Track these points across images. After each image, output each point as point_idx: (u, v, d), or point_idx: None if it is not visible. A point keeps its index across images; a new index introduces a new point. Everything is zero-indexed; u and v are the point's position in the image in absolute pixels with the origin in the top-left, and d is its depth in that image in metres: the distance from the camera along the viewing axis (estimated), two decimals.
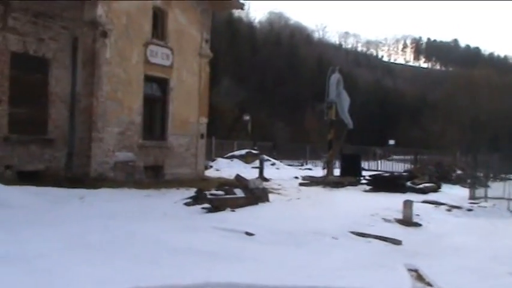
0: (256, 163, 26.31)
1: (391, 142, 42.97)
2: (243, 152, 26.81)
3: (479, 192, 15.11)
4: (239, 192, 11.37)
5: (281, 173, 21.16)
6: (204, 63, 15.73)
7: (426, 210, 11.76)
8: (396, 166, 29.65)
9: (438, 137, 61.98)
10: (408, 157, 33.39)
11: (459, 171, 21.71)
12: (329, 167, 17.67)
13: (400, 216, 10.68)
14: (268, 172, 18.86)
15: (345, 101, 17.98)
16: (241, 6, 16.05)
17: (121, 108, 13.08)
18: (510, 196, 14.91)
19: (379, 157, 33.12)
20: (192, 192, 12.21)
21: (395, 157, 34.69)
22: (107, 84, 12.71)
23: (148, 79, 13.98)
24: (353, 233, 8.84)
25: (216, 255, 6.66)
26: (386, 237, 8.62)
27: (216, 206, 10.01)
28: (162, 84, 14.56)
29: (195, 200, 10.65)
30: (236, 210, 10.18)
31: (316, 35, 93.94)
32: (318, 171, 24.89)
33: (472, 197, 14.89)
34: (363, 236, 8.67)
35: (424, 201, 13.26)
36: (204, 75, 15.76)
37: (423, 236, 9.28)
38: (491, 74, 75.18)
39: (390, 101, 75.18)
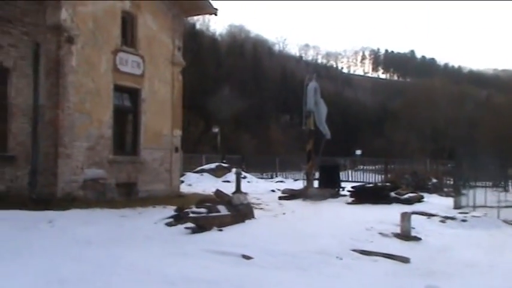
0: (227, 177, 25.48)
1: (358, 152, 42.79)
2: (213, 165, 25.87)
3: (463, 200, 14.77)
4: (223, 209, 10.47)
5: (255, 187, 20.34)
6: (176, 72, 14.77)
7: (419, 222, 11.16)
8: (367, 176, 29.36)
9: (401, 146, 62.66)
10: (375, 167, 33.25)
11: (434, 180, 21.49)
12: (309, 179, 16.96)
13: (395, 230, 10.08)
14: (244, 186, 17.97)
15: (323, 109, 17.37)
16: (214, 11, 15.19)
17: (90, 120, 11.97)
18: (493, 204, 14.71)
19: (348, 168, 32.77)
20: (170, 210, 11.28)
21: (362, 167, 34.48)
22: (74, 94, 11.61)
23: (118, 89, 12.92)
24: (356, 251, 8.11)
25: (217, 285, 5.78)
26: (393, 255, 7.92)
27: (202, 225, 9.10)
28: (133, 94, 13.51)
29: (177, 220, 9.71)
30: (223, 229, 9.29)
31: (276, 48, 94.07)
32: (290, 184, 24.27)
33: (458, 206, 14.51)
34: (367, 255, 7.94)
35: (414, 213, 12.65)
36: (177, 85, 14.80)
37: (427, 251, 8.63)
38: (448, 84, 77.00)
39: (352, 111, 75.72)
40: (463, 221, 11.60)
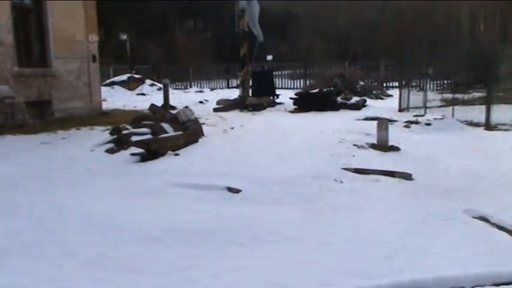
0: (142, 89, 23.09)
1: (269, 57, 41.25)
2: (125, 77, 23.26)
3: (405, 102, 14.20)
4: (168, 128, 8.71)
5: (178, 98, 18.33)
6: None
7: None
8: (288, 82, 28.64)
9: (306, 49, 62.19)
10: (291, 71, 32.48)
11: (361, 83, 20.88)
12: (244, 87, 15.31)
13: (368, 140, 9.04)
14: (161, 99, 15.87)
15: (255, 8, 15.47)
16: None
17: None
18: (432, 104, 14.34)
19: None
20: (100, 132, 9.38)
21: (279, 73, 33.46)
22: None
23: None
24: (348, 169, 6.85)
25: (215, 236, 4.24)
26: (392, 172, 6.78)
27: (155, 150, 7.32)
28: None
29: (119, 144, 7.83)
30: (179, 153, 7.60)
31: None
32: (209, 94, 22.59)
33: (402, 108, 13.91)
34: (363, 173, 6.73)
35: (367, 118, 11.78)
36: None
37: (415, 163, 7.57)
38: None
39: None
40: (427, 124, 10.81)
